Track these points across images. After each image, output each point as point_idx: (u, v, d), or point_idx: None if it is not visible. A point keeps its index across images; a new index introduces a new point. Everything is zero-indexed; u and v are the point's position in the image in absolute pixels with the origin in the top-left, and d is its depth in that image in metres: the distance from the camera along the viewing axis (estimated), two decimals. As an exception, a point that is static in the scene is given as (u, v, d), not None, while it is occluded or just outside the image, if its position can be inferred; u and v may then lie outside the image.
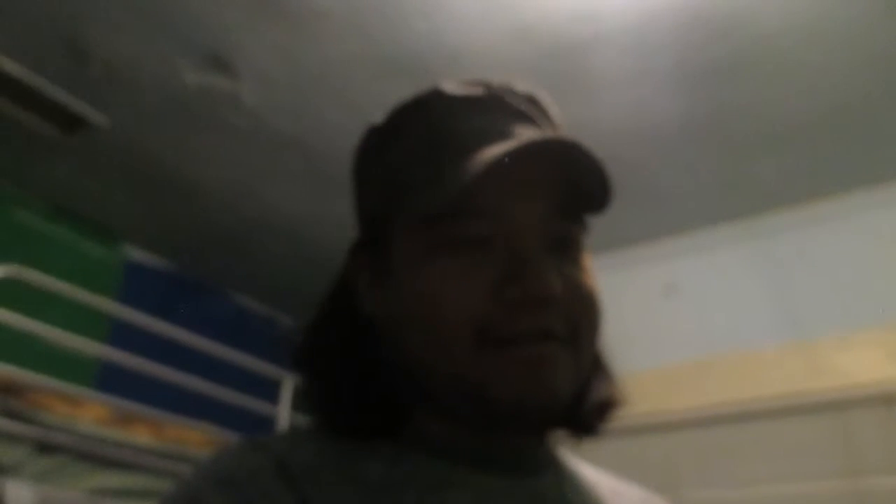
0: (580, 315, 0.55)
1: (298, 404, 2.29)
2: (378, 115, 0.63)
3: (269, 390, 2.35)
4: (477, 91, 0.60)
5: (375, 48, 1.87)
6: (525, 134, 0.56)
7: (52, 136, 2.16)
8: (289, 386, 2.31)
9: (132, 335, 2.25)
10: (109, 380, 2.27)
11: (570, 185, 0.55)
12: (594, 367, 0.61)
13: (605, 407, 0.62)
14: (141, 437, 1.83)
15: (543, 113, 0.63)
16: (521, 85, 0.62)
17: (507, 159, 0.51)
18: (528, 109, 0.60)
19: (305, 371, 0.60)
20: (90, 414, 1.76)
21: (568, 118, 2.31)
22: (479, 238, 0.54)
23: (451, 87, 0.60)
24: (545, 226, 0.55)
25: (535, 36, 1.82)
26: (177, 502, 0.50)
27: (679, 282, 2.47)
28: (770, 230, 2.39)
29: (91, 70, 1.95)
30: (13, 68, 1.92)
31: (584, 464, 0.66)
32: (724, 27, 1.77)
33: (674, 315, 2.42)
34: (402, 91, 0.63)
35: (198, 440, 1.98)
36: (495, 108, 0.59)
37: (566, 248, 0.56)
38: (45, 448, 1.57)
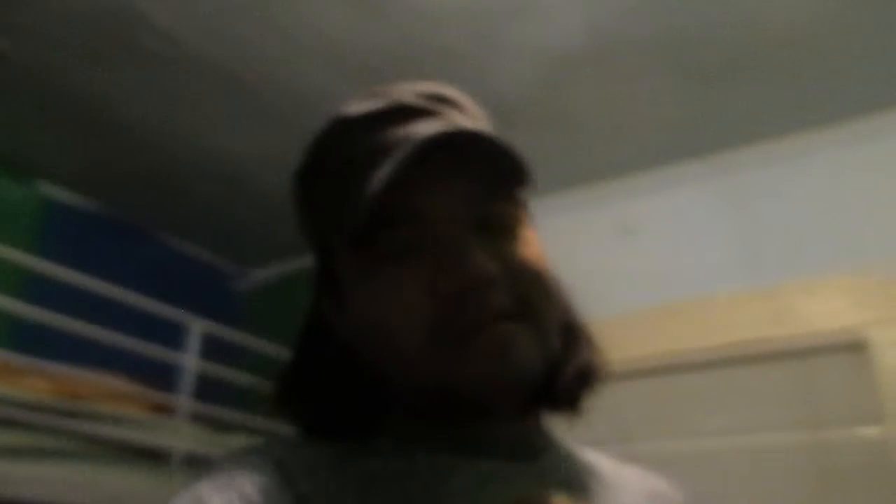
0: (527, 287, 0.56)
1: (209, 353, 2.16)
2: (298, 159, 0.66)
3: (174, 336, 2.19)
4: (378, 104, 0.60)
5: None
6: (422, 132, 0.56)
7: (-55, 60, 1.95)
8: (196, 332, 2.15)
9: (48, 283, 2.07)
10: (22, 332, 2.10)
11: (489, 165, 0.55)
12: (568, 335, 0.62)
13: (584, 375, 0.62)
14: (36, 390, 1.67)
15: (453, 105, 0.63)
16: (426, 85, 0.63)
17: (401, 164, 0.52)
18: (432, 107, 0.60)
19: (291, 406, 0.62)
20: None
21: (517, 43, 2.05)
22: (406, 244, 0.55)
23: (353, 107, 0.61)
24: (467, 211, 0.56)
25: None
26: None
27: (637, 223, 2.31)
28: (735, 167, 2.22)
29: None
30: None
31: (580, 446, 0.68)
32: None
33: (631, 258, 2.26)
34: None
35: (98, 392, 1.81)
36: (398, 115, 0.59)
37: (497, 227, 0.57)
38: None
